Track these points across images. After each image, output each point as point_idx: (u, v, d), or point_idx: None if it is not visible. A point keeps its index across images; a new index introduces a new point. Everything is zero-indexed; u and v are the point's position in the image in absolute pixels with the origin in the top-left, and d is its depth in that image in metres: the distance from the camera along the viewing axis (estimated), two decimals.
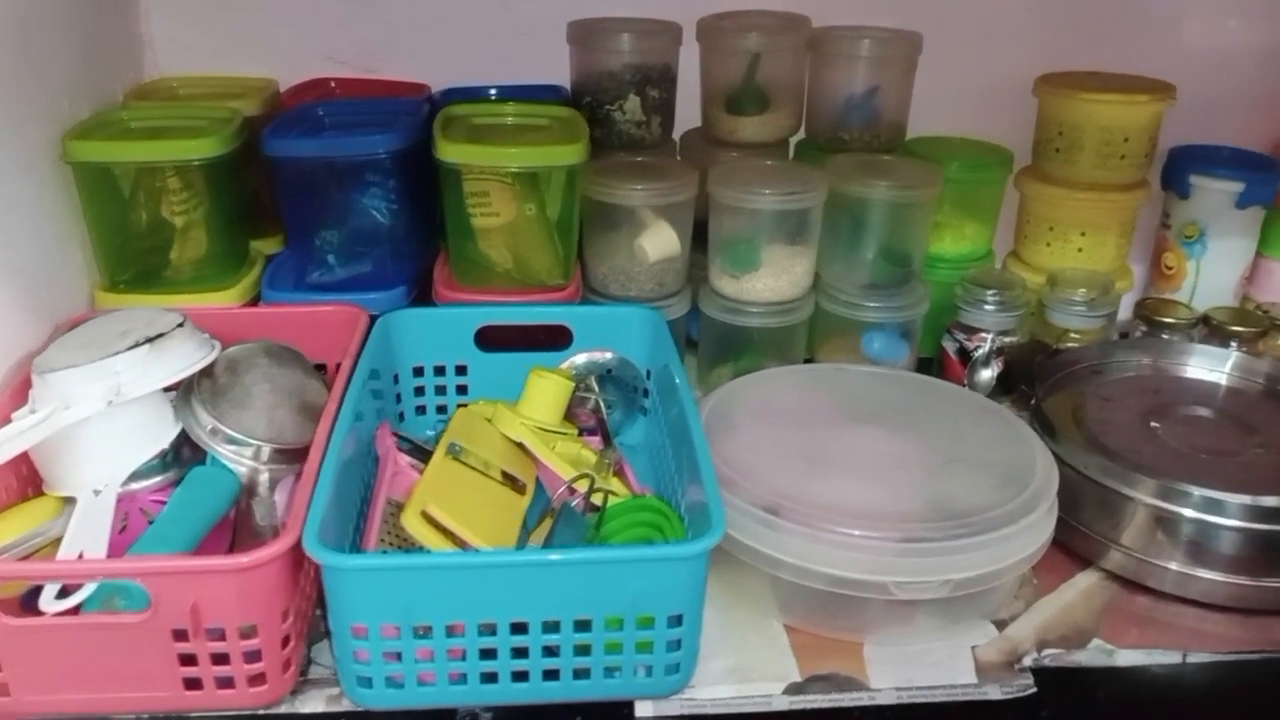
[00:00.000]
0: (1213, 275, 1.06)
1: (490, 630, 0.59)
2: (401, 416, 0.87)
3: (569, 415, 0.84)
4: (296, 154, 0.84)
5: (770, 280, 0.92)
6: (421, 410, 0.88)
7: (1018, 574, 0.69)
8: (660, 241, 0.91)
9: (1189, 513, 0.72)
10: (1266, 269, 1.10)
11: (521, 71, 1.03)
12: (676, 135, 1.04)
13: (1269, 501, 0.72)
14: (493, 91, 1.00)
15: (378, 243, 0.89)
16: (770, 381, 0.85)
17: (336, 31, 1.02)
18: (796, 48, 0.99)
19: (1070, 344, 0.97)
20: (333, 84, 1.02)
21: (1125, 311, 1.05)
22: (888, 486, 0.72)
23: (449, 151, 0.83)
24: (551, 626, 0.59)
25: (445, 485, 0.70)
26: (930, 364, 1.02)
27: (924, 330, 1.00)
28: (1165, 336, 1.02)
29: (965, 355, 0.99)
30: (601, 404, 0.86)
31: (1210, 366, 0.90)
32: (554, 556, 0.58)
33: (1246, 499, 0.72)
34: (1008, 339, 0.98)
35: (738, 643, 0.69)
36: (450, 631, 0.59)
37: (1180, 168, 1.05)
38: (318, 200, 0.86)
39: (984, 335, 0.98)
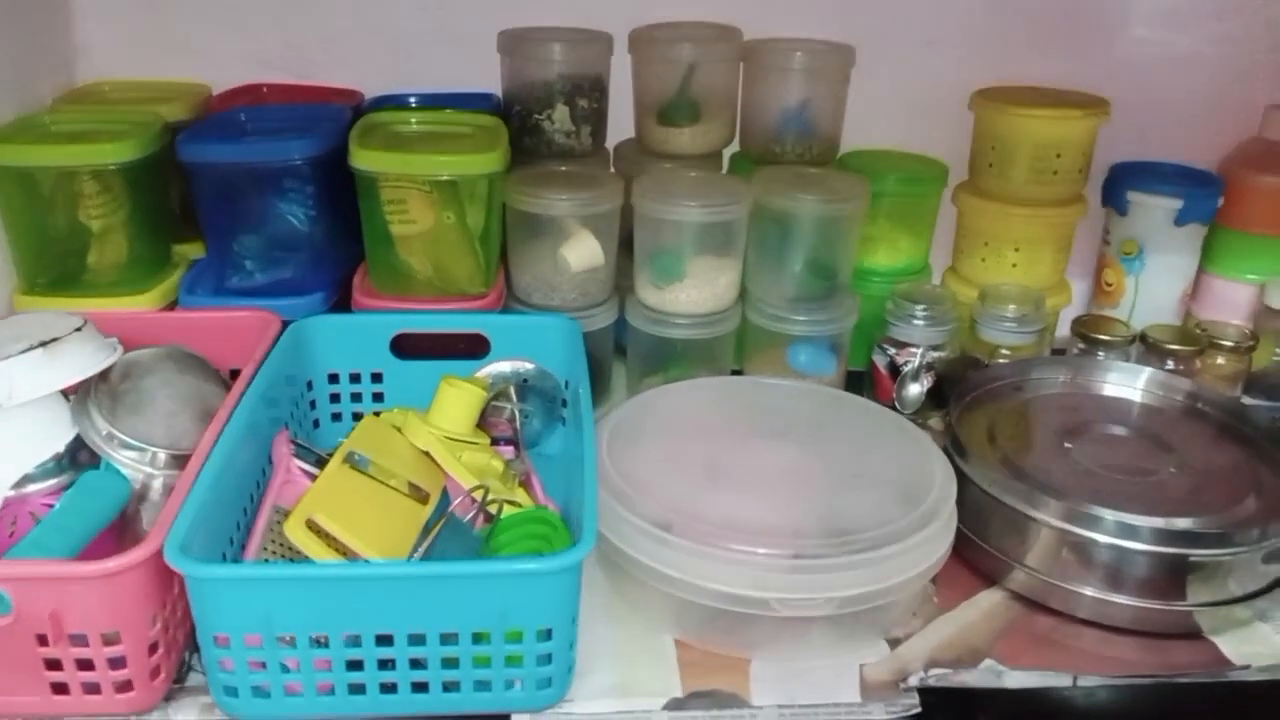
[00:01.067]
0: (1152, 292, 1.05)
1: (357, 641, 0.58)
2: (316, 424, 0.87)
3: (486, 425, 0.84)
4: (211, 159, 0.84)
5: (693, 292, 0.91)
6: (337, 417, 0.87)
7: (907, 593, 0.68)
8: (583, 252, 0.91)
9: (1091, 535, 0.71)
10: (1210, 286, 1.09)
11: (458, 78, 1.02)
12: (612, 145, 1.04)
13: (1172, 524, 0.71)
14: (412, 99, 0.99)
15: (297, 249, 0.88)
16: (683, 394, 0.84)
17: (270, 36, 1.02)
18: (728, 59, 0.99)
19: (1002, 360, 0.97)
20: (265, 89, 1.02)
21: (1066, 327, 1.04)
22: (783, 502, 0.71)
23: (363, 159, 0.83)
24: (418, 639, 0.58)
25: (337, 494, 0.70)
26: (862, 377, 1.01)
27: (857, 343, 1.00)
28: (1101, 354, 1.01)
29: (895, 369, 0.98)
30: (517, 414, 0.86)
31: (1131, 384, 0.89)
32: (409, 570, 0.58)
33: (1149, 521, 0.71)
34: (938, 354, 0.98)
35: (626, 657, 0.68)
36: (315, 642, 0.58)
37: (1119, 184, 1.04)
38: (235, 206, 0.86)
39: (913, 350, 0.97)
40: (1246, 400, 1.04)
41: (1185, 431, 0.84)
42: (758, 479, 0.74)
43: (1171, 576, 0.71)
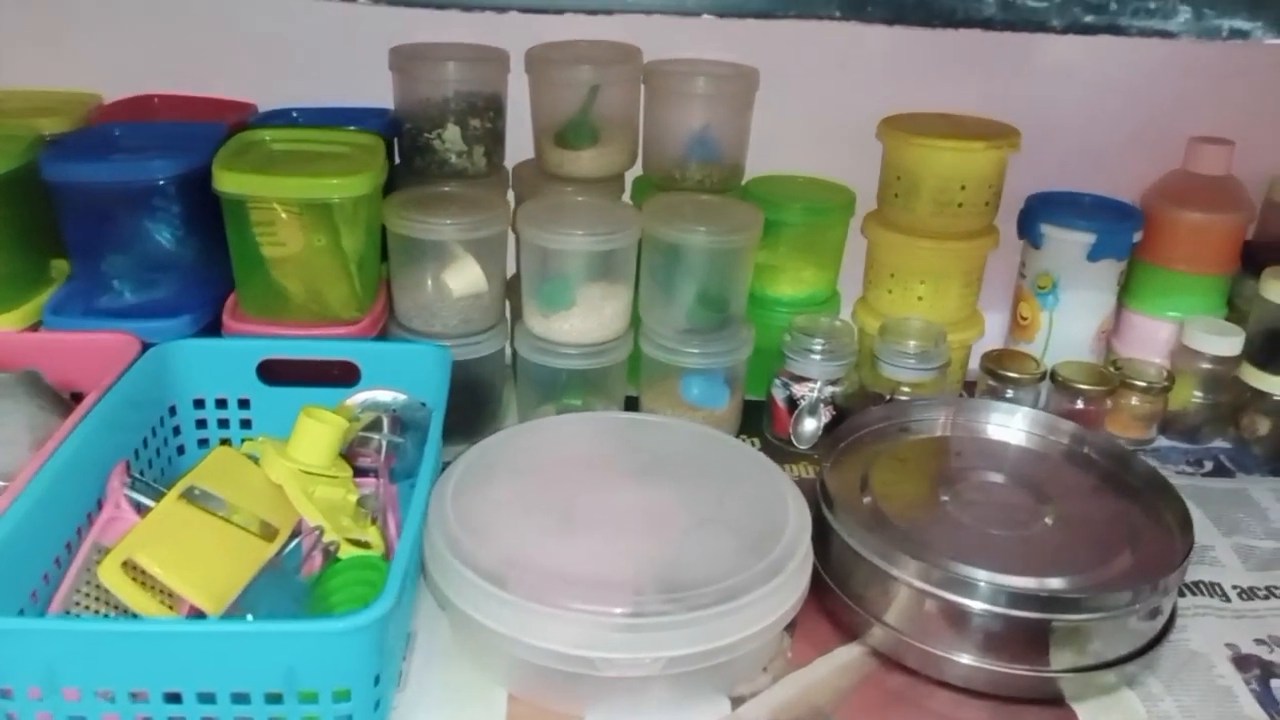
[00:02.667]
0: (1067, 328, 1.02)
1: (146, 698, 0.56)
2: (181, 449, 0.84)
3: (353, 456, 0.82)
4: (72, 178, 0.81)
5: (578, 322, 0.89)
6: (204, 443, 0.85)
7: (746, 651, 0.65)
8: (465, 277, 0.88)
9: (948, 595, 0.68)
10: (1131, 322, 1.06)
11: (355, 92, 1.00)
12: (513, 165, 1.01)
13: (1040, 584, 0.69)
14: (296, 114, 0.97)
15: (166, 270, 0.86)
16: (545, 430, 0.82)
17: (162, 46, 1.00)
18: (628, 81, 0.96)
19: (903, 396, 0.94)
20: (156, 100, 1.00)
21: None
22: (629, 551, 0.68)
23: (225, 181, 0.80)
24: (208, 698, 0.56)
25: (166, 532, 0.68)
26: (761, 409, 0.99)
27: (760, 373, 0.97)
28: (1010, 392, 0.98)
29: (793, 403, 0.95)
30: (384, 445, 0.83)
31: (1014, 426, 0.86)
32: (179, 628, 0.56)
33: (1012, 582, 0.68)
34: (836, 388, 0.95)
35: (454, 709, 0.66)
36: (101, 698, 0.56)
37: (1034, 216, 1.01)
38: (101, 225, 0.83)
39: (811, 384, 0.95)
40: (1163, 441, 1.01)
41: (1066, 480, 0.81)
42: (608, 525, 0.71)
43: (1033, 640, 0.68)
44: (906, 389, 0.94)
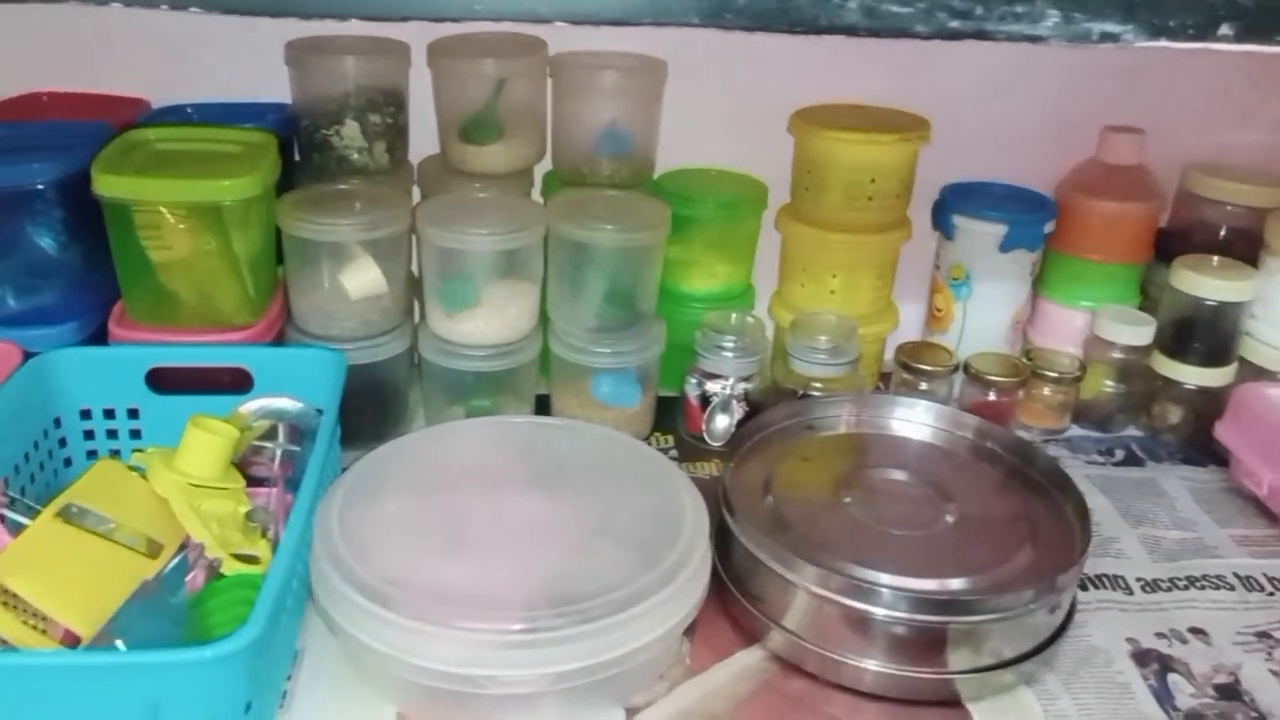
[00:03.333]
0: (980, 319, 1.02)
1: None
2: (69, 462, 0.81)
3: (249, 466, 0.80)
4: None
5: (482, 323, 0.87)
6: (93, 455, 0.82)
7: (638, 662, 0.64)
8: (363, 279, 0.86)
9: (845, 600, 0.67)
10: (1046, 312, 1.06)
11: (257, 87, 0.97)
12: (418, 160, 0.99)
13: (937, 586, 0.68)
14: (190, 110, 0.94)
15: (48, 276, 0.83)
16: (440, 438, 0.80)
17: (50, 41, 0.96)
18: (534, 74, 0.94)
19: (815, 391, 0.93)
20: (45, 98, 0.96)
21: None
22: (518, 565, 0.67)
23: (104, 185, 0.77)
24: None
25: (38, 552, 0.65)
26: (677, 405, 0.98)
27: (675, 370, 0.96)
28: (923, 384, 0.98)
29: (706, 400, 0.94)
30: (279, 454, 0.81)
31: (918, 420, 0.86)
32: (22, 660, 0.53)
33: (909, 584, 0.68)
34: (748, 385, 0.94)
35: None
36: None
37: (947, 207, 1.01)
38: None
39: (723, 381, 0.94)
40: (1076, 430, 1.02)
41: (969, 476, 0.80)
42: (500, 538, 0.69)
43: (930, 642, 0.67)
44: (819, 384, 0.93)
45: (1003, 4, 0.43)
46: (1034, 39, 0.44)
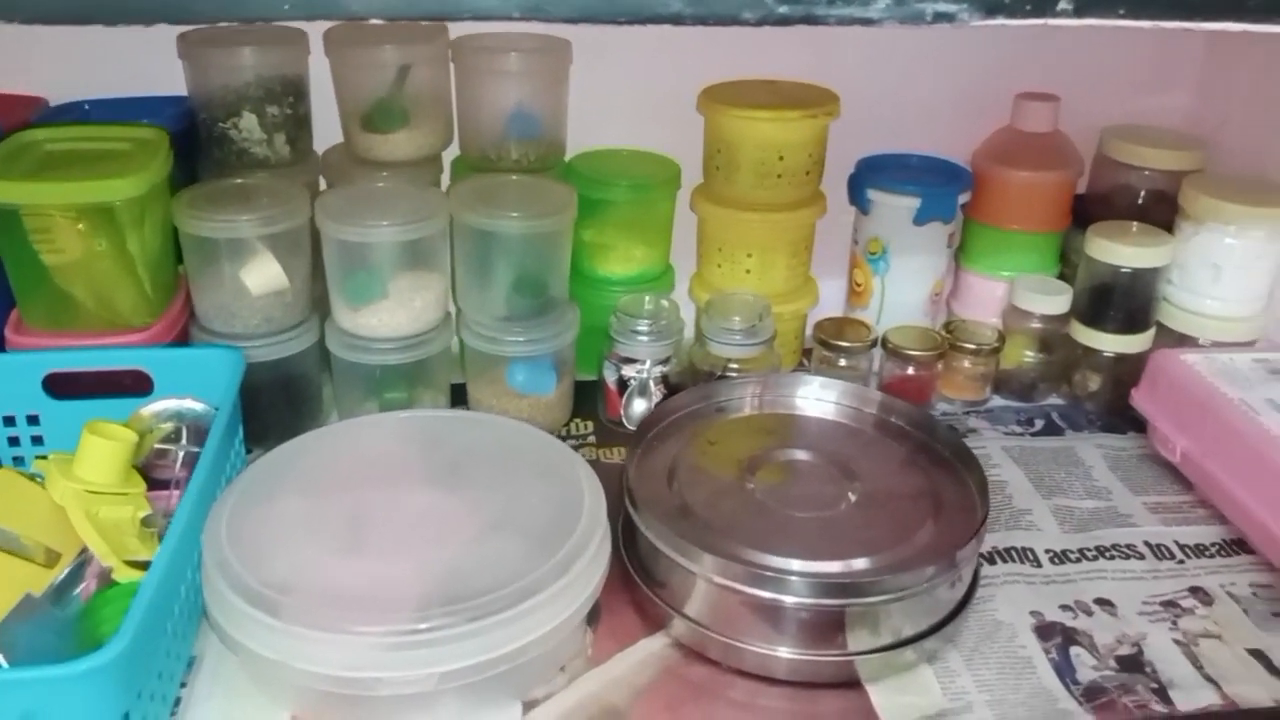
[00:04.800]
0: (899, 292, 1.02)
1: None
2: None
3: (152, 469, 0.79)
4: None
5: (386, 316, 0.86)
6: None
7: (534, 655, 0.64)
8: (263, 275, 0.85)
9: (743, 588, 0.67)
10: (967, 283, 1.06)
11: (157, 81, 0.94)
12: (325, 150, 0.97)
13: (837, 569, 0.68)
14: (87, 107, 0.92)
15: None
16: (341, 435, 0.79)
17: None
18: (436, 59, 0.92)
19: (732, 372, 0.92)
20: None
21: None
22: (412, 564, 0.66)
23: None
24: None
25: None
26: (597, 390, 0.97)
27: (594, 355, 0.95)
28: (842, 360, 0.98)
29: (624, 384, 0.94)
30: (180, 457, 0.80)
31: (824, 398, 0.86)
32: None
33: (809, 567, 0.68)
34: (666, 367, 0.93)
35: None
36: None
37: (861, 181, 1.00)
38: None
39: (639, 365, 0.93)
40: (998, 401, 1.02)
41: (874, 453, 0.80)
42: (396, 537, 0.69)
43: (830, 625, 0.67)
44: (735, 365, 0.93)
45: None
46: (866, 22, 0.43)
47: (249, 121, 0.90)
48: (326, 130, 0.96)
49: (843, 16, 0.43)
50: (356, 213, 0.84)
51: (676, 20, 0.42)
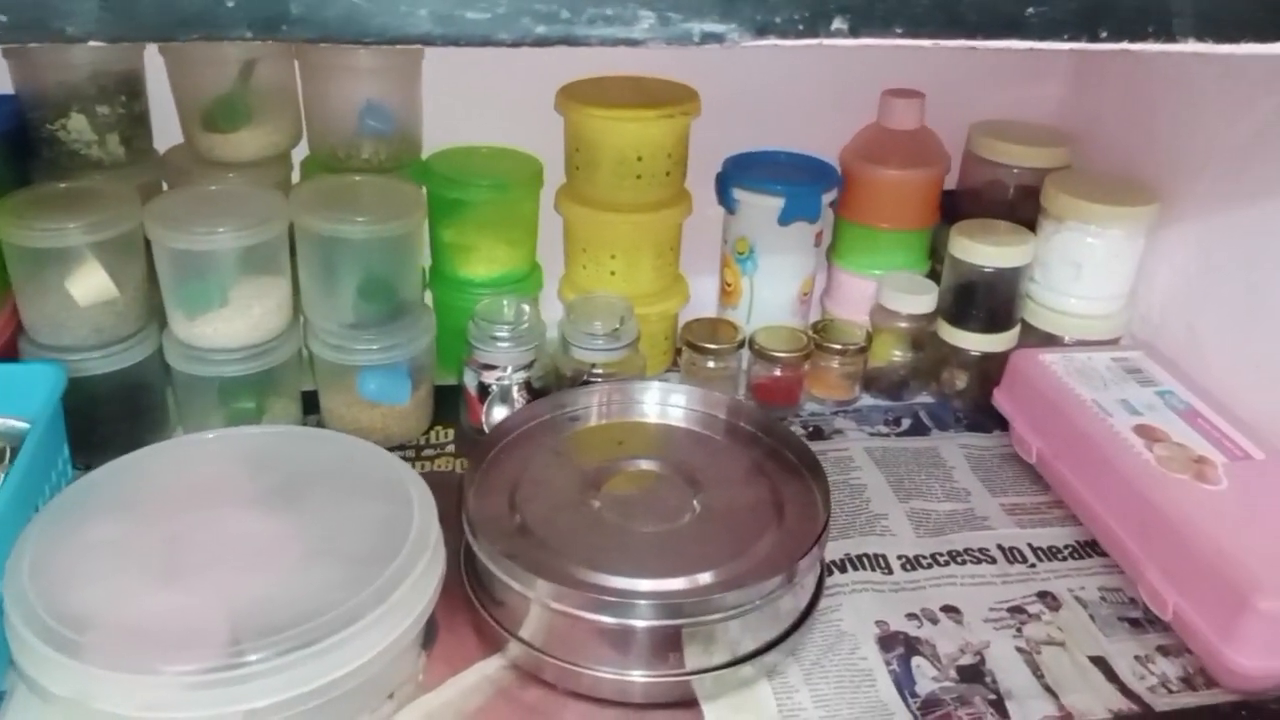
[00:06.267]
0: (768, 292, 1.00)
1: None
2: None
3: None
4: None
5: (223, 325, 0.82)
6: None
7: (350, 686, 0.61)
8: (90, 284, 0.81)
9: (577, 612, 0.65)
10: (839, 281, 1.05)
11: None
12: (168, 149, 0.93)
13: (659, 588, 0.67)
14: None
15: None
16: (166, 455, 0.75)
17: None
18: (279, 54, 0.88)
19: (596, 376, 0.91)
20: None
21: None
22: (224, 594, 0.63)
23: None
24: None
25: None
26: (460, 395, 0.94)
27: (458, 359, 0.92)
28: (710, 362, 0.96)
29: (485, 391, 0.91)
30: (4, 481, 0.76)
31: (673, 404, 0.84)
32: None
33: (638, 586, 0.67)
34: (529, 372, 0.91)
35: None
36: None
37: (727, 180, 0.98)
38: None
39: (499, 371, 0.90)
40: (867, 400, 1.01)
41: (722, 461, 0.79)
42: (213, 566, 0.65)
43: (667, 644, 0.66)
44: (599, 369, 0.91)
45: (591, 6, 0.40)
46: (631, 43, 0.41)
47: (78, 122, 0.85)
48: (173, 128, 0.92)
49: (605, 37, 0.41)
50: (189, 218, 0.80)
51: (426, 41, 0.40)
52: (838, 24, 0.42)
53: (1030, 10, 0.43)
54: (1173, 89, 0.94)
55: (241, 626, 0.61)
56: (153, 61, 0.89)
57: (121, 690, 0.58)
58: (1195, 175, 0.92)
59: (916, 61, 1.03)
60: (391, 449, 0.88)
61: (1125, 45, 0.45)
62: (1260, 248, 0.85)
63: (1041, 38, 0.44)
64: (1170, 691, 0.70)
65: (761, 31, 0.42)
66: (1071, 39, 0.44)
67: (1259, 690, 0.69)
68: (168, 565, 0.66)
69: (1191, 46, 0.46)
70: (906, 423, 0.98)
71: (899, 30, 0.42)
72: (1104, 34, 0.44)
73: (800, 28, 0.42)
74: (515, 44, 0.40)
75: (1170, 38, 0.45)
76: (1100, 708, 0.68)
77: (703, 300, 1.05)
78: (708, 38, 0.41)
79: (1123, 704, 0.68)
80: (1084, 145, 1.04)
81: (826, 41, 0.42)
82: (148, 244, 0.82)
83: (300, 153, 0.95)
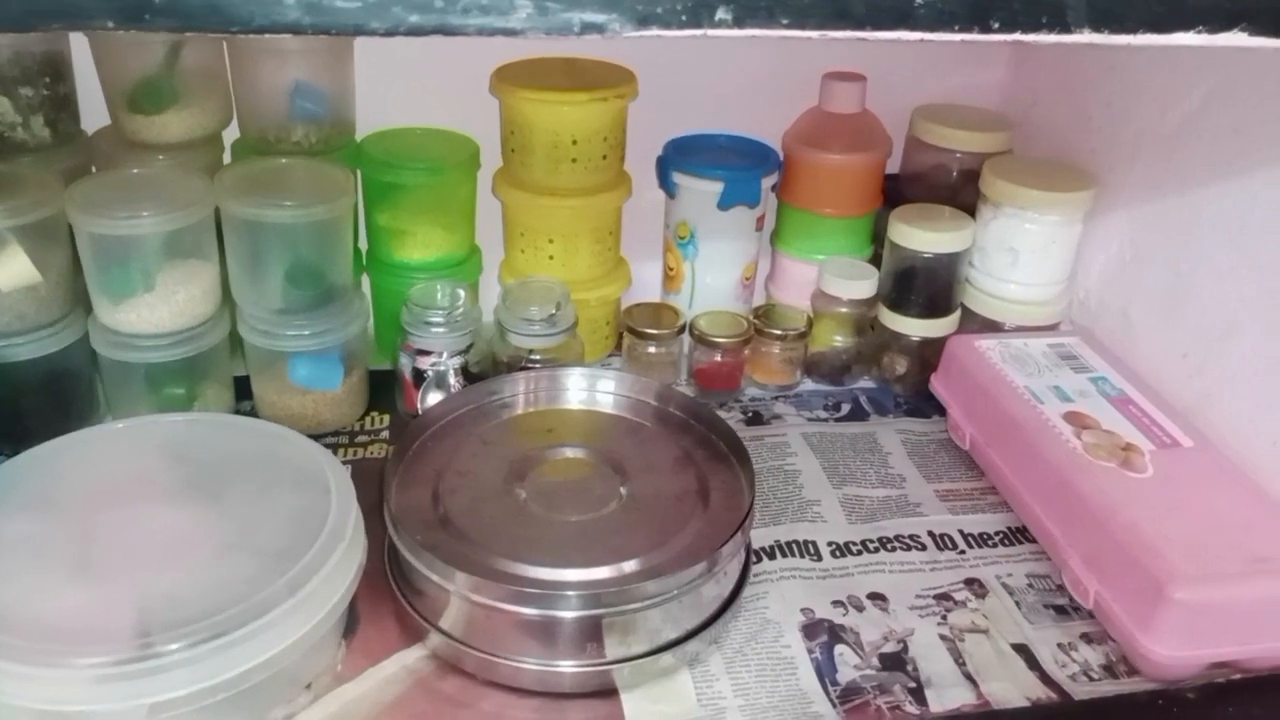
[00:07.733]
0: (709, 277, 1.00)
1: None
2: None
3: None
4: None
5: (147, 311, 0.81)
6: None
7: (253, 683, 0.61)
8: (10, 269, 0.79)
9: (496, 604, 0.65)
10: (782, 265, 1.05)
11: None
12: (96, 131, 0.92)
13: (579, 578, 0.67)
14: None
15: None
16: (83, 446, 0.74)
17: None
18: (202, 35, 0.87)
19: (534, 362, 0.90)
20: None
21: None
22: (133, 588, 0.62)
23: None
24: None
25: None
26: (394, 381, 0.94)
27: (396, 343, 0.92)
28: (651, 348, 0.96)
29: (421, 376, 0.91)
30: None
31: (602, 391, 0.84)
32: None
33: (557, 577, 0.66)
34: (464, 358, 0.90)
35: None
36: None
37: (668, 164, 0.98)
38: None
39: (434, 356, 0.90)
40: (809, 384, 1.01)
41: (650, 449, 0.78)
42: (129, 556, 0.65)
43: (587, 634, 0.65)
44: (536, 355, 0.90)
45: None
46: (509, 33, 0.41)
47: (0, 104, 0.83)
48: (102, 111, 0.90)
49: (481, 26, 0.40)
50: (112, 202, 0.79)
51: (295, 30, 0.39)
52: (721, 14, 0.41)
53: (919, 1, 0.43)
54: (1108, 75, 0.94)
55: (151, 620, 0.61)
56: (79, 43, 0.87)
57: (25, 685, 0.57)
58: (1129, 162, 0.91)
59: (859, 44, 1.03)
60: (324, 435, 0.88)
61: (1018, 36, 0.44)
62: (1187, 235, 0.85)
63: (931, 29, 0.43)
64: (1091, 679, 0.70)
65: (643, 22, 0.41)
66: (962, 30, 0.43)
67: (1176, 679, 0.69)
68: (81, 560, 0.65)
69: (1087, 37, 0.45)
70: (846, 408, 0.97)
71: (785, 21, 0.41)
72: (995, 25, 0.44)
73: (683, 18, 0.41)
74: (389, 33, 0.39)
75: (1065, 29, 0.45)
76: (1019, 695, 0.68)
77: (647, 285, 1.05)
78: (588, 28, 0.40)
79: (1042, 692, 0.69)
80: (1025, 130, 1.04)
81: (711, 32, 0.42)
82: (71, 229, 0.81)
83: (233, 135, 0.93)
